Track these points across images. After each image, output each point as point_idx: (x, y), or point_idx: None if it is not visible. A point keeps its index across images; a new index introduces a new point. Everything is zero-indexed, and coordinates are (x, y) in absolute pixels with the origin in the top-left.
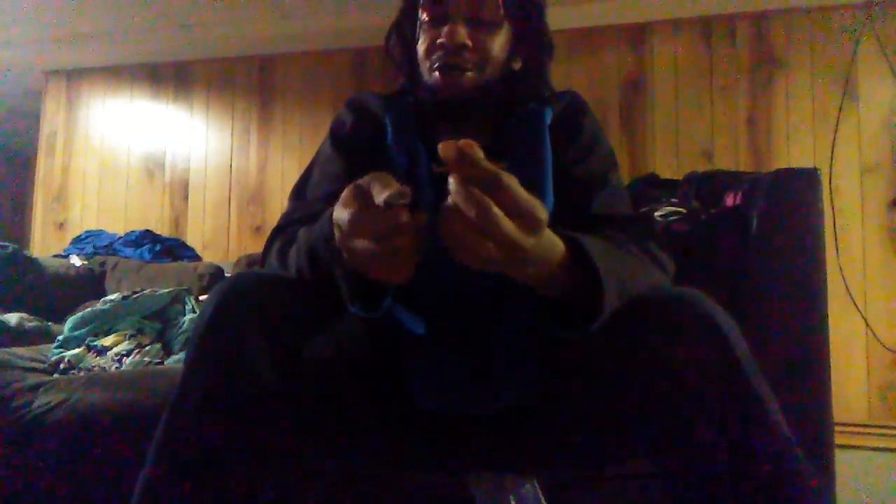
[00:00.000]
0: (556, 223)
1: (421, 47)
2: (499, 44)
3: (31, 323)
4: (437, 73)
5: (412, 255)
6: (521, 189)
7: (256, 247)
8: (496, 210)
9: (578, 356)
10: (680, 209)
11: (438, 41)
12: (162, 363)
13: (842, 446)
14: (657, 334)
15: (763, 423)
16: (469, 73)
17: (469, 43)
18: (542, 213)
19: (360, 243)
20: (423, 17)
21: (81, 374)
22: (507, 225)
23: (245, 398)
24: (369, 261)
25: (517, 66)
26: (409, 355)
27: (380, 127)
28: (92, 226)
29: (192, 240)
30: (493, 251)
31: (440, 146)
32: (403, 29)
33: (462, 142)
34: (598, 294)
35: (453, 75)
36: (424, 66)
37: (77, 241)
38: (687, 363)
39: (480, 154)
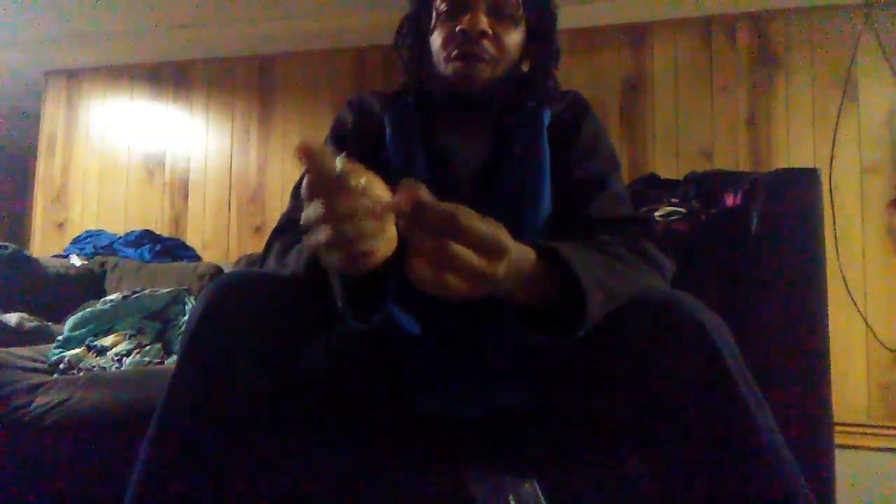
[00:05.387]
0: (554, 226)
1: (438, 38)
2: (515, 40)
3: (31, 323)
4: (454, 64)
5: (368, 238)
6: (478, 221)
7: (256, 247)
8: (455, 248)
9: (573, 358)
10: (680, 209)
11: (458, 28)
12: (162, 363)
13: (842, 446)
14: (644, 337)
15: (748, 428)
16: (485, 66)
17: (489, 31)
18: (506, 239)
19: (320, 232)
20: (442, 7)
21: (81, 374)
22: (471, 258)
23: (236, 400)
24: (326, 245)
25: (524, 68)
26: (406, 356)
27: (380, 128)
28: (92, 226)
29: (192, 240)
30: (462, 285)
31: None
32: (418, 21)
33: (411, 188)
34: (582, 300)
35: (471, 66)
36: (440, 56)
37: (77, 241)
38: (672, 366)
39: (428, 198)
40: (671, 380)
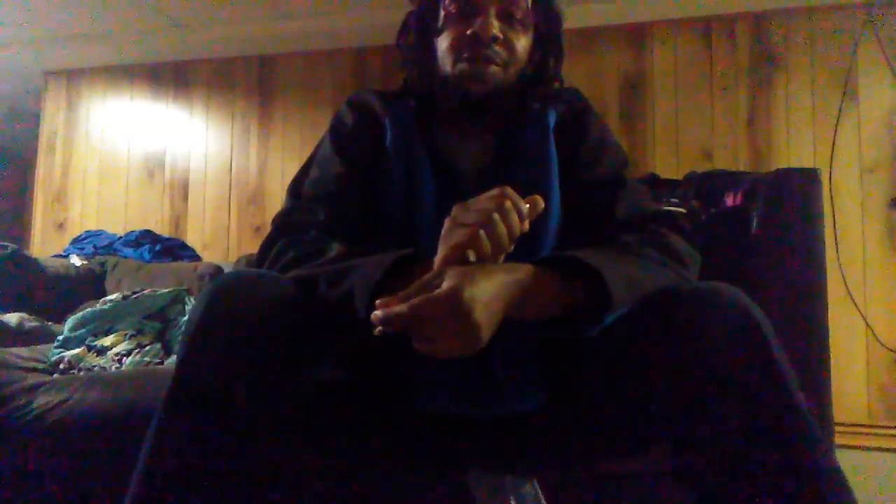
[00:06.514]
0: (568, 229)
1: (445, 41)
2: (524, 45)
3: (31, 323)
4: (463, 65)
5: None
6: (427, 305)
7: (256, 247)
8: (435, 330)
9: (594, 354)
10: (680, 209)
11: (469, 31)
12: (162, 363)
13: (842, 446)
14: (694, 325)
15: (796, 419)
16: (496, 68)
17: (501, 36)
18: (454, 299)
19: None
20: (451, 8)
21: (81, 374)
22: (440, 330)
23: (237, 401)
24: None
25: (529, 71)
26: (409, 355)
27: (380, 128)
28: (92, 226)
29: (192, 240)
30: (456, 346)
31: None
32: (423, 19)
33: (382, 304)
34: (603, 289)
35: (481, 67)
36: (447, 60)
37: (77, 241)
38: (720, 350)
39: (386, 315)
40: (720, 368)
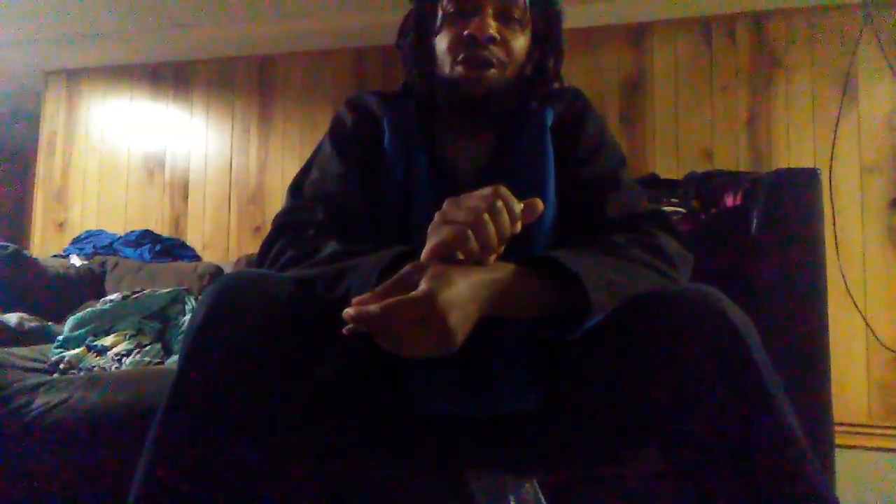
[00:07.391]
0: (563, 228)
1: (443, 41)
2: (522, 45)
3: (31, 323)
4: (460, 68)
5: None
6: (401, 307)
7: (256, 247)
8: (401, 329)
9: (585, 355)
10: (680, 209)
11: (466, 32)
12: (162, 363)
13: (842, 446)
14: (671, 329)
15: (775, 420)
16: (493, 70)
17: (498, 37)
18: (428, 303)
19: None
20: (449, 8)
21: (81, 374)
22: (412, 332)
23: (240, 401)
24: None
25: (528, 71)
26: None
27: (379, 128)
28: (92, 226)
29: (192, 240)
30: (425, 347)
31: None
32: (421, 20)
33: (356, 304)
34: (583, 293)
35: (478, 70)
36: (446, 60)
37: (77, 241)
38: (699, 358)
39: (359, 315)
40: (698, 372)
